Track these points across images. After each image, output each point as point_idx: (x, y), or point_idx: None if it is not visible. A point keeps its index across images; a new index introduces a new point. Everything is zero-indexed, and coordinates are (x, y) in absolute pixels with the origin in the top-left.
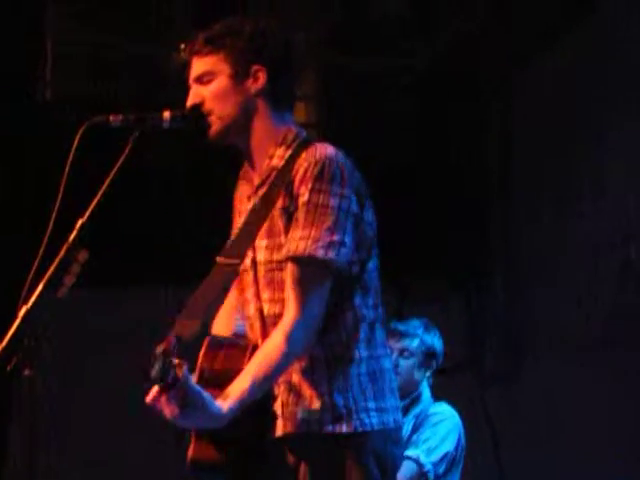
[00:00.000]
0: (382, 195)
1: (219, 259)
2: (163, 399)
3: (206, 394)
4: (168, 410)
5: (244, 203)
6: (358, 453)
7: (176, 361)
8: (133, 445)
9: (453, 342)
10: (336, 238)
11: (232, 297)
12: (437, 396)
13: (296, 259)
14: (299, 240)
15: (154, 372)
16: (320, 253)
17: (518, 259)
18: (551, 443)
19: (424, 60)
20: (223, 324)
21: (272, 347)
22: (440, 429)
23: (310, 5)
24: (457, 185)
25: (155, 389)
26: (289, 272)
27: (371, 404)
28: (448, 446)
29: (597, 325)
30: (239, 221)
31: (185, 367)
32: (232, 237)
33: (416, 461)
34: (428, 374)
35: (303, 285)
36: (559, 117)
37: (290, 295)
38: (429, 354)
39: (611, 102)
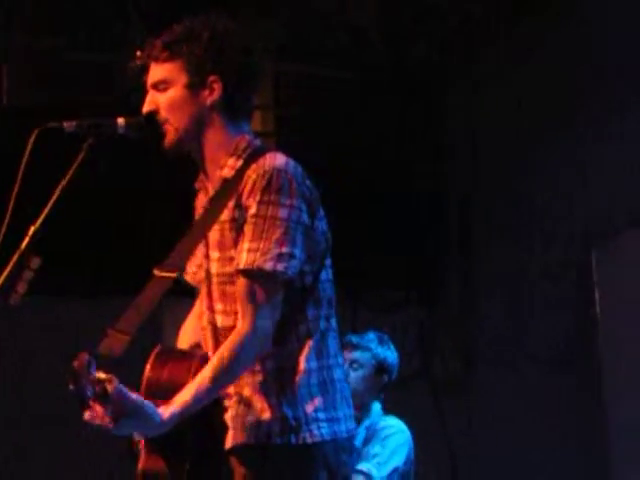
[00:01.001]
0: (336, 204)
1: (156, 271)
2: (96, 411)
3: (147, 402)
4: (100, 421)
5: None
6: (308, 464)
7: (103, 376)
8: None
9: (406, 352)
10: (285, 250)
11: (199, 305)
12: (389, 407)
13: (245, 272)
14: (247, 252)
15: (72, 388)
16: (269, 265)
17: (472, 269)
18: (505, 449)
19: (378, 68)
20: (189, 332)
21: (220, 358)
22: (390, 443)
23: (265, 13)
24: (413, 195)
25: (82, 405)
26: (239, 285)
27: (321, 415)
28: (397, 460)
29: (548, 337)
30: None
31: (115, 381)
32: (173, 249)
33: (367, 475)
34: (378, 387)
35: (253, 297)
36: (520, 122)
37: (241, 308)
38: (380, 368)
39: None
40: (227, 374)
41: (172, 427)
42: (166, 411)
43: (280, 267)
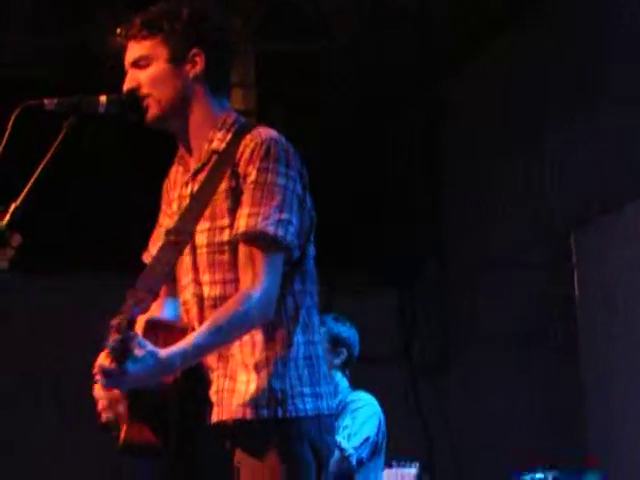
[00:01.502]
0: (316, 186)
1: (167, 237)
2: (112, 365)
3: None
4: (114, 369)
5: (177, 190)
6: (292, 438)
7: (131, 333)
8: None
9: (385, 334)
10: (284, 216)
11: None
12: (359, 385)
13: (248, 235)
14: (248, 217)
15: (111, 343)
16: (270, 229)
17: (450, 253)
18: (483, 428)
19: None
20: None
21: (223, 314)
22: (359, 415)
23: None
24: (391, 177)
25: (107, 357)
26: (241, 249)
27: (307, 389)
28: (368, 431)
29: (523, 320)
30: (174, 207)
31: (137, 337)
32: (178, 217)
33: (338, 447)
34: (337, 362)
35: (257, 259)
36: (490, 120)
37: (243, 271)
38: (335, 341)
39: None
40: (229, 330)
41: (159, 390)
42: (164, 352)
43: (281, 232)
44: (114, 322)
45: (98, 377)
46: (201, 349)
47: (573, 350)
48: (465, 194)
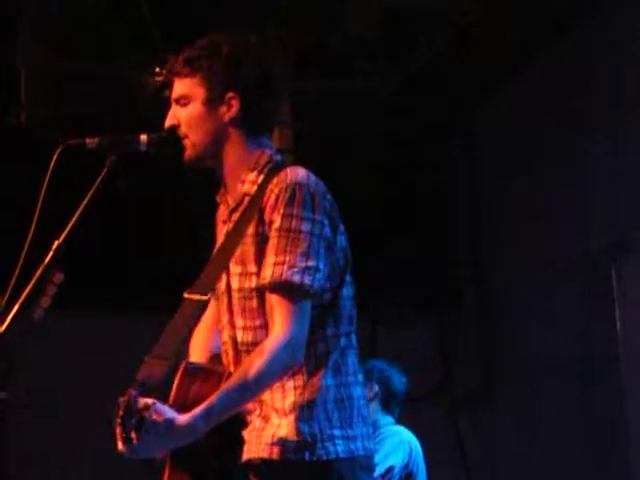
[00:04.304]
0: (350, 220)
1: (186, 294)
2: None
3: (169, 411)
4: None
5: (220, 226)
6: None
7: (141, 404)
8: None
9: (426, 367)
10: (310, 264)
11: (210, 312)
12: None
13: (273, 285)
14: (274, 266)
15: (119, 416)
16: (296, 278)
17: (489, 284)
18: (523, 464)
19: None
20: (201, 341)
21: (250, 366)
22: (384, 445)
23: (278, 30)
24: (425, 207)
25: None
26: (268, 299)
27: (337, 432)
28: (393, 460)
29: (567, 349)
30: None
31: (155, 405)
32: (205, 269)
33: None
34: (369, 395)
35: (283, 306)
36: (524, 138)
37: (271, 318)
38: (367, 375)
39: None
40: (256, 383)
41: (199, 439)
42: (185, 416)
43: (307, 280)
44: (121, 400)
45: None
46: (226, 407)
47: (617, 381)
48: (504, 223)
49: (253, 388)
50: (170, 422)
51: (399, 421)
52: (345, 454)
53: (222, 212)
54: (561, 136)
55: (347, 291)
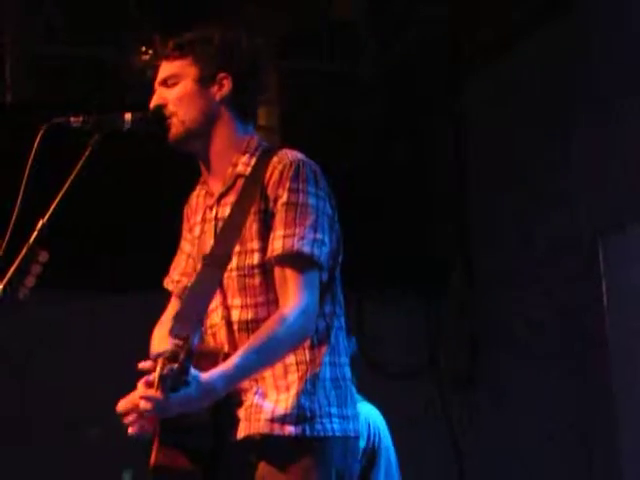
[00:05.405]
0: (338, 201)
1: (204, 261)
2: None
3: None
4: (161, 398)
5: (199, 214)
6: (318, 457)
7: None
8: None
9: (412, 347)
10: (319, 236)
11: (172, 310)
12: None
13: (285, 256)
14: (284, 239)
15: (165, 372)
16: (307, 249)
17: (477, 263)
18: (511, 441)
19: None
20: (164, 337)
21: (269, 332)
22: None
23: (265, 11)
24: (412, 188)
25: (153, 386)
26: (276, 271)
27: (334, 410)
28: None
29: (554, 327)
30: (196, 232)
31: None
32: (214, 242)
33: None
34: None
35: (294, 278)
36: (516, 126)
37: (282, 290)
38: None
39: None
40: (270, 350)
41: (191, 415)
42: (207, 374)
43: (317, 252)
44: (167, 351)
45: (142, 406)
46: (243, 371)
47: (603, 360)
48: (492, 204)
49: (271, 354)
50: (197, 379)
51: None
52: (340, 433)
53: (202, 198)
54: (554, 113)
55: (338, 273)
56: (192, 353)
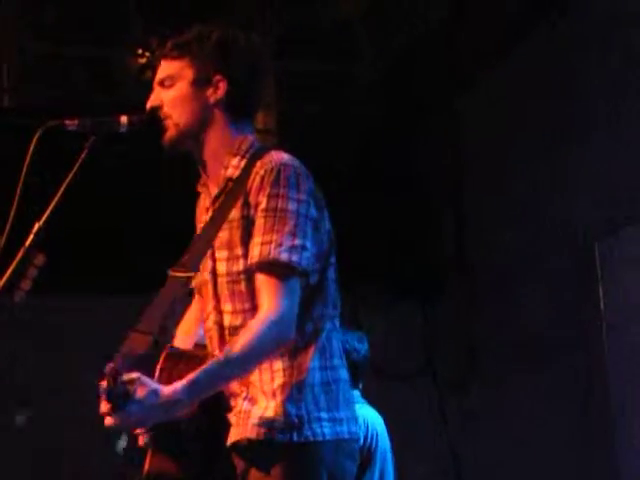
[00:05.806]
0: (334, 202)
1: (172, 272)
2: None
3: (153, 383)
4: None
5: (203, 214)
6: (308, 462)
7: (125, 377)
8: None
9: (408, 351)
10: (297, 242)
11: (195, 308)
12: (394, 404)
13: (261, 265)
14: (261, 246)
15: (103, 389)
16: (284, 257)
17: (472, 266)
18: (507, 444)
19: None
20: (185, 334)
21: (236, 342)
22: None
23: (261, 11)
24: (409, 190)
25: (104, 404)
26: (257, 278)
27: (324, 414)
28: None
29: (551, 331)
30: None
31: (139, 379)
32: (187, 250)
33: None
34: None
35: (272, 285)
36: (512, 128)
37: (260, 298)
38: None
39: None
40: (243, 359)
41: (182, 422)
42: (172, 387)
43: (295, 258)
44: (108, 368)
45: (106, 422)
46: (213, 379)
47: (600, 363)
48: (488, 207)
49: (239, 364)
50: (155, 393)
51: (377, 398)
52: (331, 436)
53: (204, 201)
54: (551, 115)
55: (332, 274)
56: (117, 371)
